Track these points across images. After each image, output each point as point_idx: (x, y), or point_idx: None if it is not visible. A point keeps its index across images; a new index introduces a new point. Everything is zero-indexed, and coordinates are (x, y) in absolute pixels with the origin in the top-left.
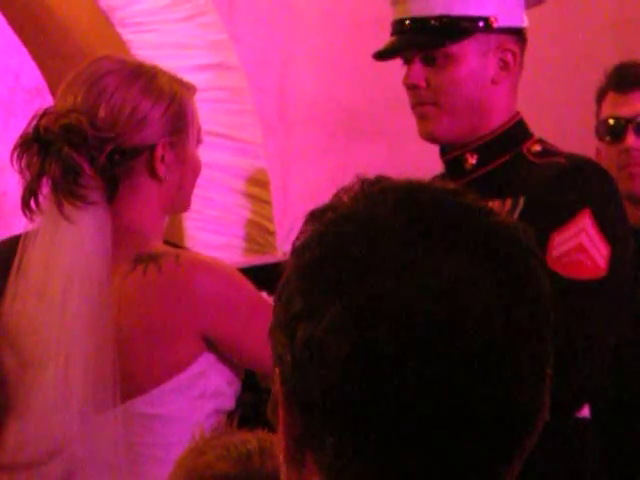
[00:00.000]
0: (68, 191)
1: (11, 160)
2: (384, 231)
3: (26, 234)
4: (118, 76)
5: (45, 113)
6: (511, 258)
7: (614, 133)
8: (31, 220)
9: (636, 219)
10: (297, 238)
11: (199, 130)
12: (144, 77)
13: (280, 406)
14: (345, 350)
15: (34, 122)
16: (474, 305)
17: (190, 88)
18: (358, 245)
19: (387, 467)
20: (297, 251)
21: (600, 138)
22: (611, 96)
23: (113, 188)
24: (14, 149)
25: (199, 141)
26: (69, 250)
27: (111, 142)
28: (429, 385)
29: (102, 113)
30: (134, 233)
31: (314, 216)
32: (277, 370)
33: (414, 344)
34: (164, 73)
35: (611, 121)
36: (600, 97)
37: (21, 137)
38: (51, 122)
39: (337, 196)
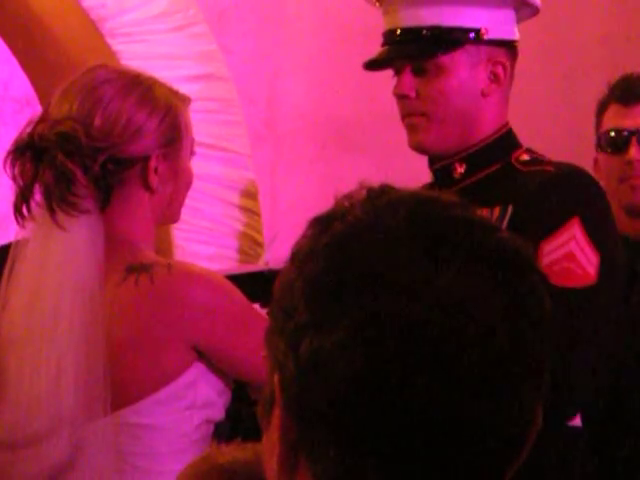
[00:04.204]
0: (61, 199)
1: (4, 166)
2: (394, 245)
3: (17, 242)
4: (114, 86)
5: (41, 120)
6: (518, 276)
7: (616, 145)
8: (22, 227)
9: (634, 232)
10: (298, 242)
11: (192, 142)
12: (140, 88)
13: (278, 410)
14: (354, 366)
15: (29, 128)
16: (482, 324)
17: (185, 100)
18: (368, 259)
19: None
20: (301, 257)
21: (601, 149)
22: (614, 108)
23: (106, 197)
24: (7, 155)
25: (192, 153)
26: (61, 258)
27: (105, 151)
28: (435, 402)
29: (97, 122)
30: (125, 242)
31: (319, 223)
32: (277, 376)
33: (422, 362)
34: (161, 84)
35: (614, 133)
36: (602, 109)
37: (15, 143)
38: (46, 129)
39: (340, 203)
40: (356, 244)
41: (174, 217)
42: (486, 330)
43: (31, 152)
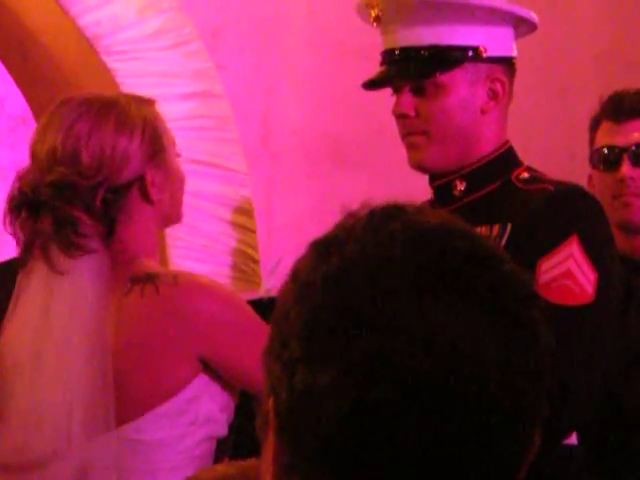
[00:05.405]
0: (67, 244)
1: (4, 225)
2: (391, 283)
3: (21, 277)
4: (88, 119)
5: (27, 172)
6: (519, 315)
7: (609, 162)
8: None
9: (629, 249)
10: (299, 262)
11: (174, 141)
12: (113, 112)
13: (271, 432)
14: (345, 408)
15: (17, 184)
16: (476, 366)
17: (151, 103)
18: (362, 298)
19: None
20: (299, 283)
21: (594, 166)
22: (606, 125)
23: (111, 226)
24: (5, 215)
25: (176, 153)
26: (67, 299)
27: (102, 185)
28: (426, 444)
29: (85, 160)
30: (131, 256)
31: (320, 247)
32: (271, 400)
33: (413, 405)
34: (127, 99)
35: (606, 150)
36: (594, 126)
37: (9, 201)
38: (37, 181)
39: (342, 226)
40: (352, 281)
41: (177, 218)
42: (481, 371)
43: (27, 207)
